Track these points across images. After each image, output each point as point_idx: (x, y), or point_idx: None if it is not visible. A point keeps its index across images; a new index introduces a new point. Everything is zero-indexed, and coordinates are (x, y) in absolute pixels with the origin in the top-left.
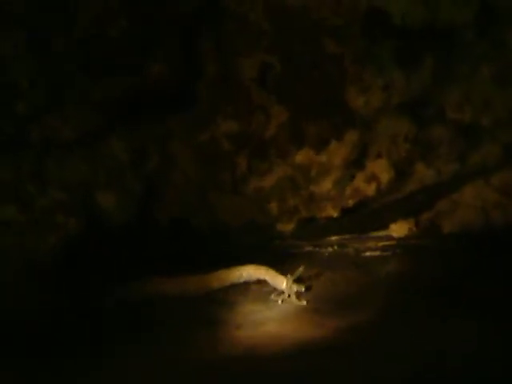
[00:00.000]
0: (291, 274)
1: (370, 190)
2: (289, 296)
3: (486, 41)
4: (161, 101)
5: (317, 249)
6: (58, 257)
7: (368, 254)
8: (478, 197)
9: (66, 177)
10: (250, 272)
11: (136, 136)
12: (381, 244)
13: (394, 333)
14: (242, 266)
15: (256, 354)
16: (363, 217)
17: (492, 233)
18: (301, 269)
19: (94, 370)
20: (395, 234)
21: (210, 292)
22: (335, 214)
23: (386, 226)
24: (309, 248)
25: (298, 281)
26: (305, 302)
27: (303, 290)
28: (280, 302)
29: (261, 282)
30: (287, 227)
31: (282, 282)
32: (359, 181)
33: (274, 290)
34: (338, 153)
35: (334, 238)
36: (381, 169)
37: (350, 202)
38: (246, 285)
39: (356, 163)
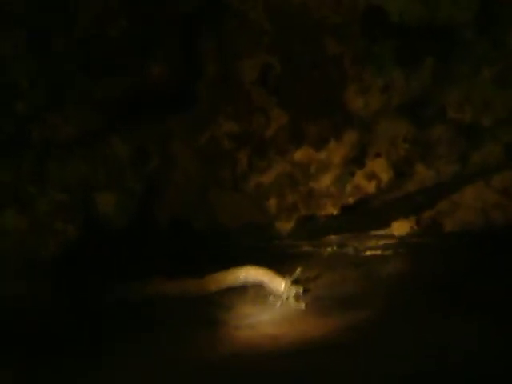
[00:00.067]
0: (289, 276)
1: (371, 187)
2: (287, 299)
3: (487, 41)
4: (161, 101)
5: (316, 249)
6: (58, 257)
7: (368, 253)
8: (478, 198)
9: (66, 177)
10: (248, 274)
11: (136, 136)
12: (381, 243)
13: (395, 332)
14: (241, 268)
15: (255, 353)
16: (363, 215)
17: (492, 232)
18: (298, 271)
19: (94, 370)
20: (396, 233)
21: (209, 294)
22: (335, 212)
23: (386, 225)
24: (308, 248)
25: (296, 282)
26: (303, 306)
27: (301, 291)
28: (278, 305)
29: (259, 284)
30: (286, 226)
31: (280, 285)
32: (359, 178)
33: (273, 292)
34: (337, 152)
35: (333, 237)
36: (380, 168)
37: (351, 200)
38: (244, 287)
39: (356, 161)
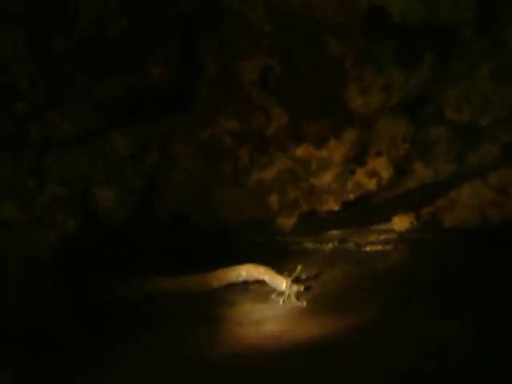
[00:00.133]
0: (290, 273)
1: (372, 184)
2: (289, 296)
3: (486, 40)
4: (161, 101)
5: (317, 245)
6: (57, 254)
7: (369, 248)
8: (475, 196)
9: (66, 172)
10: (249, 271)
11: (136, 134)
12: (382, 237)
13: (395, 330)
14: (242, 265)
15: (256, 352)
16: (364, 211)
17: (489, 230)
18: (299, 268)
19: (94, 368)
20: (396, 228)
21: (210, 291)
22: (336, 208)
23: (387, 220)
24: (309, 244)
25: (296, 280)
26: (305, 303)
27: (302, 289)
28: (281, 302)
29: (260, 282)
30: (288, 222)
31: (281, 283)
32: (360, 175)
33: (274, 289)
34: (337, 150)
35: (334, 232)
36: (381, 166)
37: (352, 196)
38: (245, 284)
39: (356, 160)
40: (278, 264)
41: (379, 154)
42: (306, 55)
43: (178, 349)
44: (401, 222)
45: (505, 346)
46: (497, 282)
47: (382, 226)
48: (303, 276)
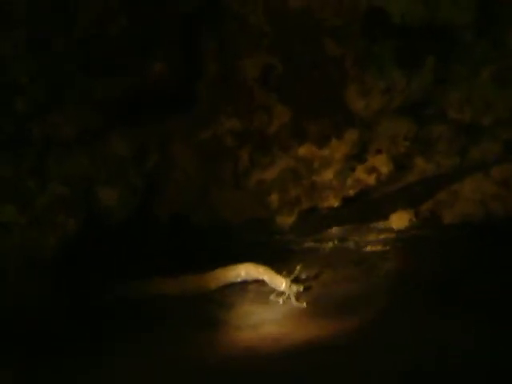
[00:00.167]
0: (290, 274)
1: (371, 179)
2: (288, 297)
3: (487, 41)
4: (161, 101)
5: (317, 244)
6: (57, 254)
7: (369, 248)
8: (477, 190)
9: (67, 172)
10: (248, 271)
11: (136, 136)
12: (382, 237)
13: (395, 330)
14: (241, 265)
15: (256, 353)
16: (364, 206)
17: (492, 224)
18: (298, 269)
19: (94, 368)
20: (395, 226)
21: (209, 291)
22: (336, 204)
23: (386, 217)
24: (309, 243)
25: (296, 280)
26: (304, 304)
27: (302, 289)
28: (281, 302)
29: (259, 282)
30: (288, 220)
31: (281, 283)
32: (360, 172)
33: (274, 289)
34: (338, 149)
35: (334, 230)
36: (381, 162)
37: (351, 192)
38: (244, 284)
39: (356, 158)
40: (278, 263)
41: (379, 151)
42: (306, 55)
43: (178, 350)
44: (400, 220)
45: (505, 345)
46: (497, 282)
47: (382, 225)
48: (303, 276)
